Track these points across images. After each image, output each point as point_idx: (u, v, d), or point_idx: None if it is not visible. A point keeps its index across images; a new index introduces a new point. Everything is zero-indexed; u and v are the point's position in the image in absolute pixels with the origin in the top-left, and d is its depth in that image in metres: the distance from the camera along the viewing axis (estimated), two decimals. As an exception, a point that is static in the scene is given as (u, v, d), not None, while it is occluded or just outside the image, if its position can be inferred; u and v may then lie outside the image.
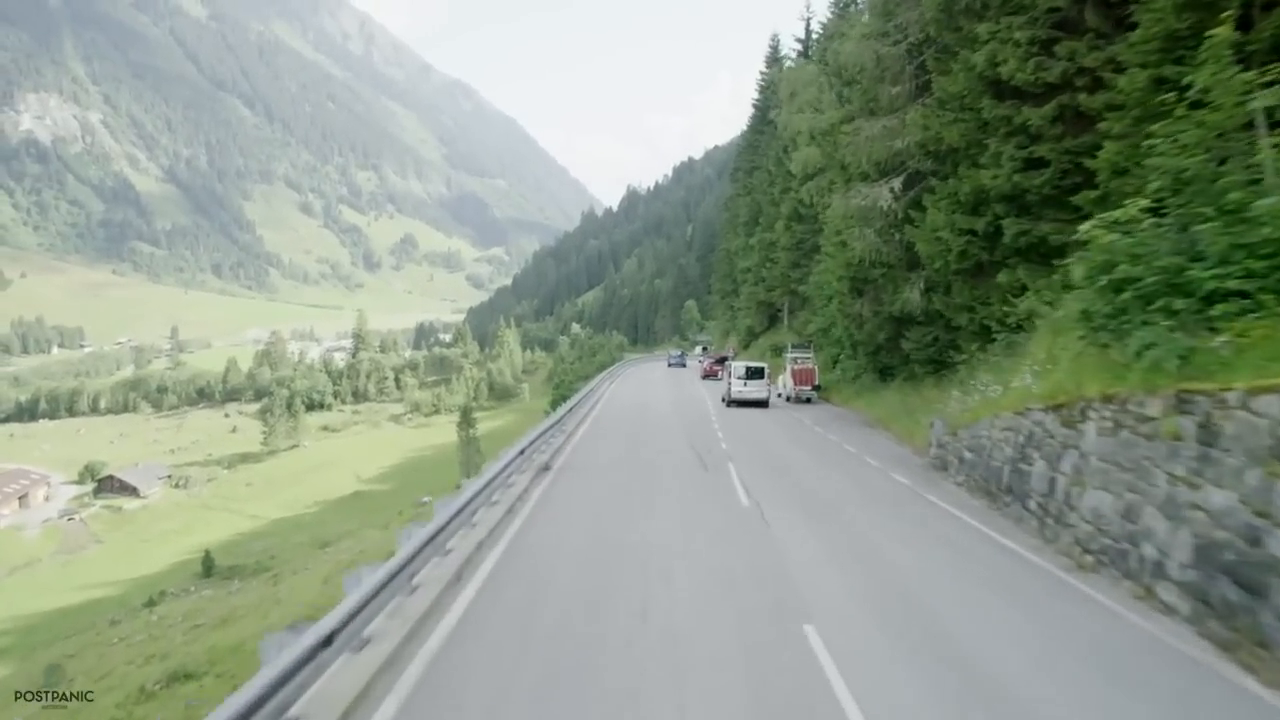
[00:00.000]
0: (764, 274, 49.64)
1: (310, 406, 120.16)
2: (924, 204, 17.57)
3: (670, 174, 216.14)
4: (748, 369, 26.42)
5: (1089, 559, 8.09)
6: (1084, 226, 8.60)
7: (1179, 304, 7.18)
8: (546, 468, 13.40)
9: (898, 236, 19.00)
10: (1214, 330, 6.75)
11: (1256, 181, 6.95)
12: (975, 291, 16.35)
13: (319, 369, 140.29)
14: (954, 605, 6.77)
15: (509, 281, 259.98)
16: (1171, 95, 8.14)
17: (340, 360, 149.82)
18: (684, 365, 55.14)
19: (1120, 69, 11.03)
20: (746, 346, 55.38)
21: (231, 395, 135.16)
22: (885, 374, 23.50)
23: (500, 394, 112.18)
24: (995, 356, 13.76)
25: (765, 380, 25.95)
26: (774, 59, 58.49)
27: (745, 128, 72.42)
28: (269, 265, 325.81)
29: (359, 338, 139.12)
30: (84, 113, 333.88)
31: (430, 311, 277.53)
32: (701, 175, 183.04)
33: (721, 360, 41.48)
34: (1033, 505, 9.77)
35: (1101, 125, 11.45)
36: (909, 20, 18.00)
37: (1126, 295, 7.88)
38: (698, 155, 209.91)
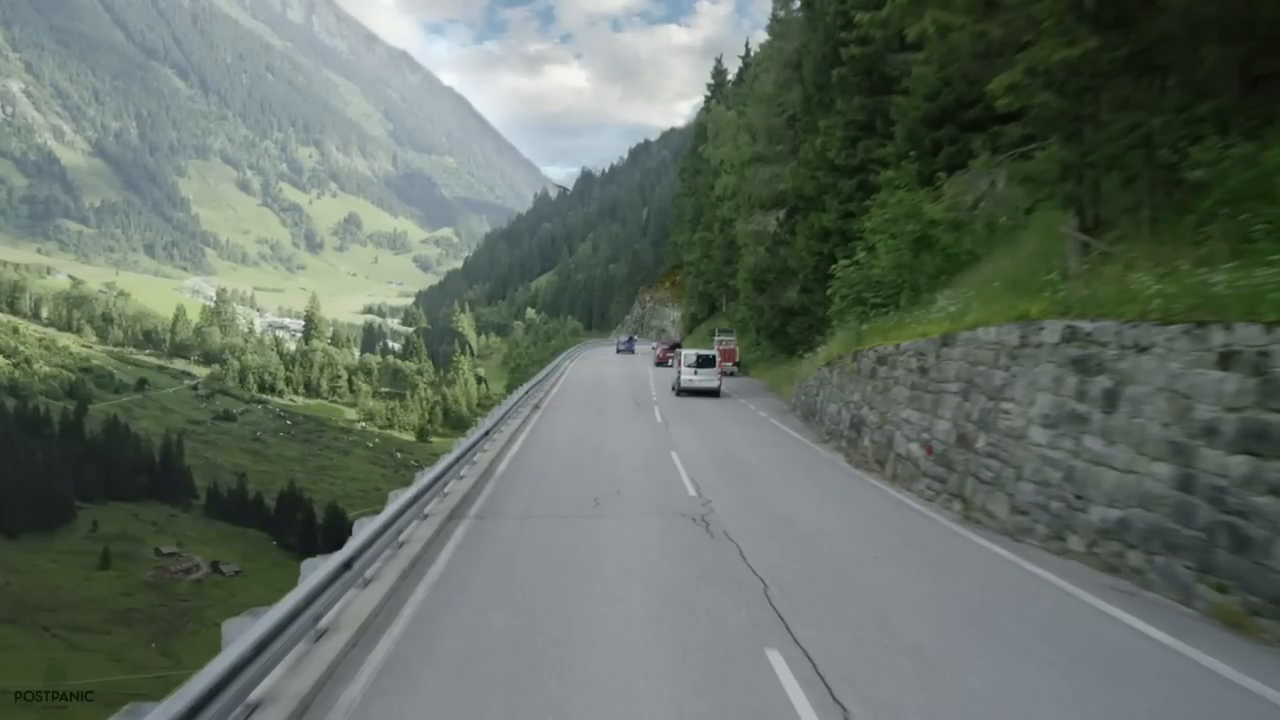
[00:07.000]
0: (703, 268, 57.31)
1: (261, 388, 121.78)
2: (796, 231, 25.21)
3: (626, 156, 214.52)
4: (699, 357, 25.38)
5: (828, 437, 15.82)
6: (834, 266, 16.33)
7: (861, 306, 14.98)
8: (537, 407, 20.48)
9: (781, 252, 26.65)
10: (867, 319, 14.55)
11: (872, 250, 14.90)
12: (825, 293, 24.13)
13: (270, 346, 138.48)
14: (747, 449, 14.44)
15: (459, 264, 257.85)
16: (880, 191, 15.92)
17: (288, 341, 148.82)
18: (632, 351, 53.16)
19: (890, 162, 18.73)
20: (690, 331, 62.35)
21: (179, 350, 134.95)
22: (790, 351, 31.17)
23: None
24: (824, 337, 21.50)
25: (716, 369, 25.10)
26: (719, 77, 65.54)
27: (695, 121, 76.92)
28: (205, 245, 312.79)
29: (311, 322, 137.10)
30: (4, 81, 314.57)
31: (376, 294, 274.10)
32: (658, 158, 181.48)
33: (674, 346, 39.94)
34: (816, 416, 17.50)
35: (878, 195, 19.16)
36: (789, 100, 25.50)
37: (849, 299, 15.68)
38: (654, 138, 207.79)
